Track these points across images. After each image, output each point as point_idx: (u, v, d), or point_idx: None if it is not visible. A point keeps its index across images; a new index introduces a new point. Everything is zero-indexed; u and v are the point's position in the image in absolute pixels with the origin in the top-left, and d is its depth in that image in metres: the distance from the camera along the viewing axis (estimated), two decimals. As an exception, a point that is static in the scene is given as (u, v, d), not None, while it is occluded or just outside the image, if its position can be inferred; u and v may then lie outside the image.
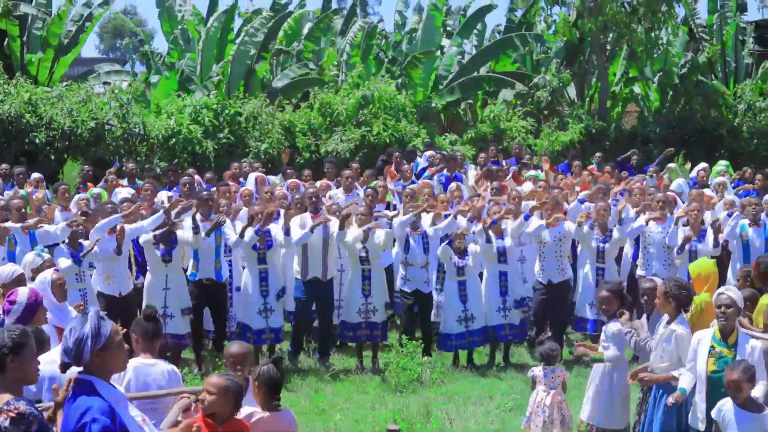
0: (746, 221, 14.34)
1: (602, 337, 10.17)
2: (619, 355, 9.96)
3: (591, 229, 14.16)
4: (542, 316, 14.53)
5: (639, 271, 14.61)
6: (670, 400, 8.40)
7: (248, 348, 8.19)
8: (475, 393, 12.63)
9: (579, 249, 15.11)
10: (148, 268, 13.45)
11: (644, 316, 9.87)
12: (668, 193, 16.23)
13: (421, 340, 13.68)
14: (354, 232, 13.64)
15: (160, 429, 5.88)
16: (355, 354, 14.21)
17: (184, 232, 13.24)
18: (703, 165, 19.47)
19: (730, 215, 14.80)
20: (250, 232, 13.33)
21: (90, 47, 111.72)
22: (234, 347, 7.96)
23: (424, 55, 28.40)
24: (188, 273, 13.61)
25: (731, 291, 8.35)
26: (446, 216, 14.54)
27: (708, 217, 14.96)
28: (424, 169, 19.79)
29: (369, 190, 15.11)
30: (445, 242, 13.86)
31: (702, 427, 8.31)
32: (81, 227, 12.84)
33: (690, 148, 27.97)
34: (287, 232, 13.42)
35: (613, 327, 9.96)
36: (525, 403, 10.98)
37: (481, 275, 14.29)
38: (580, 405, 10.48)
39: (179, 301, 13.25)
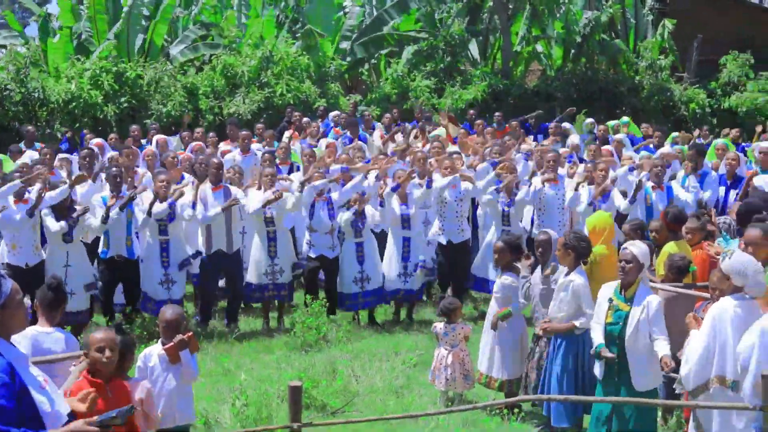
0: (650, 184, 14.47)
1: (495, 288, 10.39)
2: (526, 303, 10.17)
3: (497, 193, 14.27)
4: (445, 277, 14.66)
5: (534, 232, 14.67)
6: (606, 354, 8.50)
7: (182, 313, 8.20)
8: (381, 350, 12.71)
9: (480, 212, 15.22)
10: (47, 242, 13.08)
11: (538, 267, 10.03)
12: (605, 148, 16.61)
13: (325, 299, 13.69)
14: (254, 201, 13.60)
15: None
16: (261, 315, 14.18)
17: (93, 220, 12.88)
18: (590, 119, 20.20)
19: (631, 170, 15.02)
20: (160, 207, 13.18)
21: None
22: (168, 312, 7.96)
23: (318, 34, 28.20)
24: (99, 250, 13.38)
25: (635, 246, 8.44)
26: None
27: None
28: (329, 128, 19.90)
29: (266, 155, 15.02)
30: (350, 210, 13.80)
31: (600, 375, 8.51)
32: None
33: (592, 106, 28.26)
34: (194, 205, 13.32)
35: (504, 279, 10.20)
36: (430, 358, 11.13)
37: (385, 237, 14.39)
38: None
39: (82, 277, 12.98)
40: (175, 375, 8.06)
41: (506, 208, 14.27)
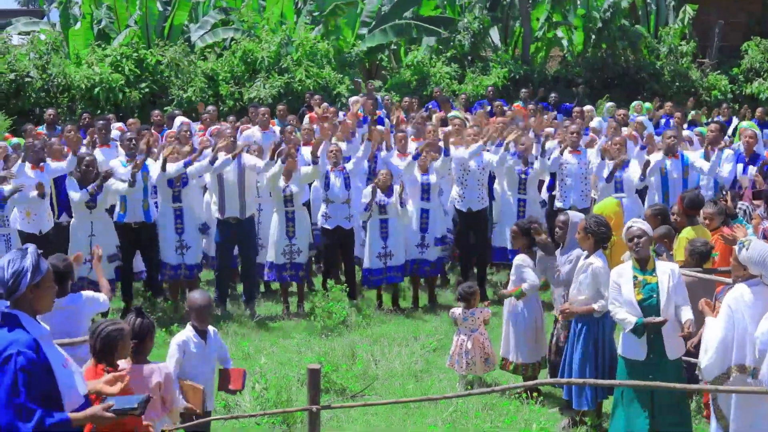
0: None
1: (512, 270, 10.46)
2: (536, 285, 10.23)
3: (514, 156, 14.38)
4: (465, 246, 14.74)
5: (557, 203, 14.72)
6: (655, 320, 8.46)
7: (210, 298, 8.16)
8: (400, 334, 12.77)
9: (496, 185, 15.23)
10: (72, 212, 13.24)
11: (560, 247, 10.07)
12: (624, 131, 16.66)
13: (345, 284, 13.77)
14: (273, 168, 13.62)
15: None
16: (281, 300, 14.23)
17: (118, 184, 12.94)
18: (610, 103, 20.19)
19: (643, 148, 15.17)
20: (173, 167, 13.30)
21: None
22: (198, 298, 7.93)
23: (346, 5, 28.19)
24: (115, 214, 13.47)
25: (639, 222, 8.49)
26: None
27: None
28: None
29: (289, 126, 15.09)
30: (371, 185, 13.86)
31: (643, 354, 8.36)
32: None
33: (613, 91, 28.22)
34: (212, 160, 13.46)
35: (516, 260, 10.35)
36: (449, 343, 11.16)
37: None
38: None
39: (105, 248, 13.08)
40: (209, 360, 8.02)
41: (522, 176, 14.35)
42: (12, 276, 5.06)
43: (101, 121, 15.71)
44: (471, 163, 14.32)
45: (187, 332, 8.06)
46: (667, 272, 8.24)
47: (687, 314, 8.14)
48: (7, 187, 12.69)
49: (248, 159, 13.74)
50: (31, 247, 5.24)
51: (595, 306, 8.93)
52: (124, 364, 6.74)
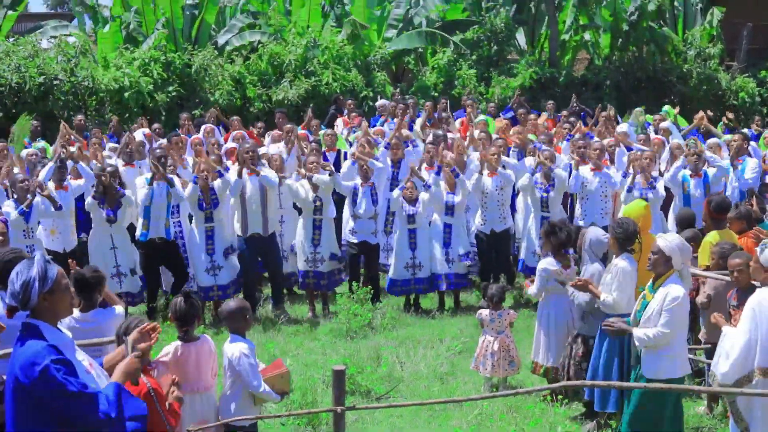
0: (687, 171, 14.45)
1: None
2: (536, 293, 10.33)
3: (532, 175, 14.38)
4: (488, 265, 14.68)
5: (577, 221, 14.57)
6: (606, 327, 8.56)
7: (246, 303, 8.05)
8: (426, 337, 12.77)
9: (519, 199, 15.26)
10: (92, 227, 13.40)
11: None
12: (656, 137, 16.65)
13: (370, 287, 13.80)
14: (306, 188, 13.72)
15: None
16: (306, 302, 14.28)
17: (131, 197, 13.13)
18: (638, 108, 20.05)
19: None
20: (189, 189, 13.38)
21: (37, 2, 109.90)
22: (232, 303, 7.90)
23: (361, 25, 28.21)
24: (138, 233, 13.51)
25: (663, 239, 8.35)
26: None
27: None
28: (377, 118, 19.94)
29: (314, 144, 15.16)
30: (398, 188, 13.96)
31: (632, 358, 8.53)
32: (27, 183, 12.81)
33: (640, 95, 28.15)
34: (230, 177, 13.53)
35: (542, 263, 10.34)
36: (474, 346, 11.18)
37: (430, 223, 14.38)
38: (528, 346, 10.82)
39: (128, 261, 13.21)
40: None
41: (544, 194, 14.32)
42: (21, 287, 5.09)
43: (125, 137, 15.82)
44: (488, 185, 14.32)
45: (243, 343, 7.74)
46: (662, 295, 8.09)
47: (637, 332, 8.13)
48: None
49: (267, 173, 13.73)
50: (38, 255, 5.29)
51: (602, 296, 8.97)
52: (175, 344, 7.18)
